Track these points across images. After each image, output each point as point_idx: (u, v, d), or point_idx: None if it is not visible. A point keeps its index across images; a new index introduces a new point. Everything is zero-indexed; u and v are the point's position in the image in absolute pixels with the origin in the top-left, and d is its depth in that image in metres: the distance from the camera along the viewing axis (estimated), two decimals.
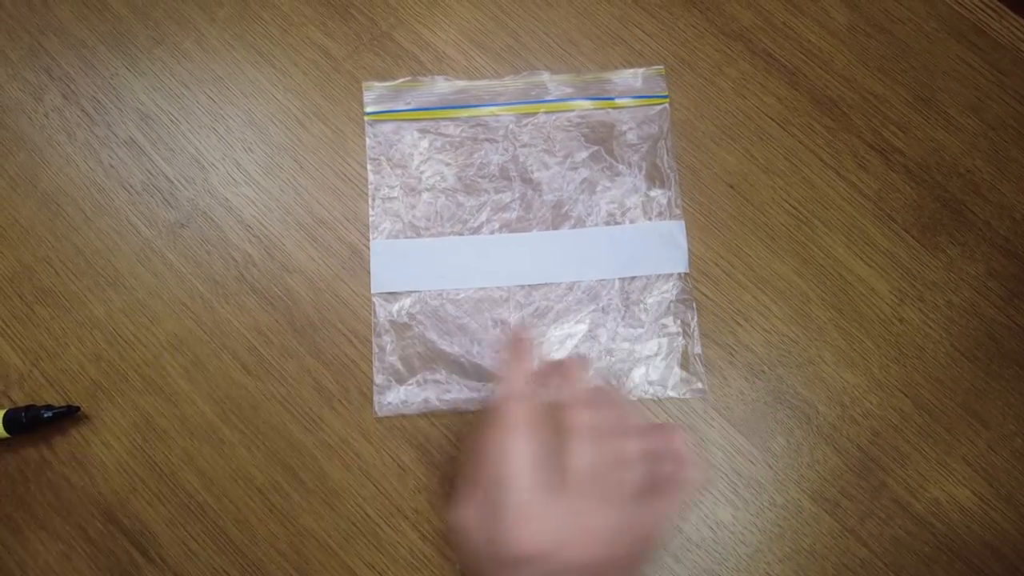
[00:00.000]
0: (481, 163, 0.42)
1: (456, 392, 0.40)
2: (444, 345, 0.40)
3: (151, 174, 0.43)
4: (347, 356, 0.41)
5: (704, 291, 0.41)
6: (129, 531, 0.39)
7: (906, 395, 0.40)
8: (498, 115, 0.43)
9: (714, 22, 0.44)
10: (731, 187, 0.42)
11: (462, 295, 0.41)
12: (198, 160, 0.43)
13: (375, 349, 0.40)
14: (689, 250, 0.41)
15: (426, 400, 0.40)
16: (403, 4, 0.45)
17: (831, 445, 0.39)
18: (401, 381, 0.40)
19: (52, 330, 0.41)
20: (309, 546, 0.38)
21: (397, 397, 0.40)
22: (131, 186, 0.43)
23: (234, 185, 0.43)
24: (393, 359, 0.40)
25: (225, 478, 0.39)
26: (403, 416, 0.40)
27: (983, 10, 0.44)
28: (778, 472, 0.39)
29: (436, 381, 0.40)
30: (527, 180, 0.42)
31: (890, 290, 0.41)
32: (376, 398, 0.40)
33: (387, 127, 0.43)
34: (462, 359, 0.40)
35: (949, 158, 0.43)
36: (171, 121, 0.44)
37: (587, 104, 0.43)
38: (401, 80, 0.43)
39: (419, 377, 0.40)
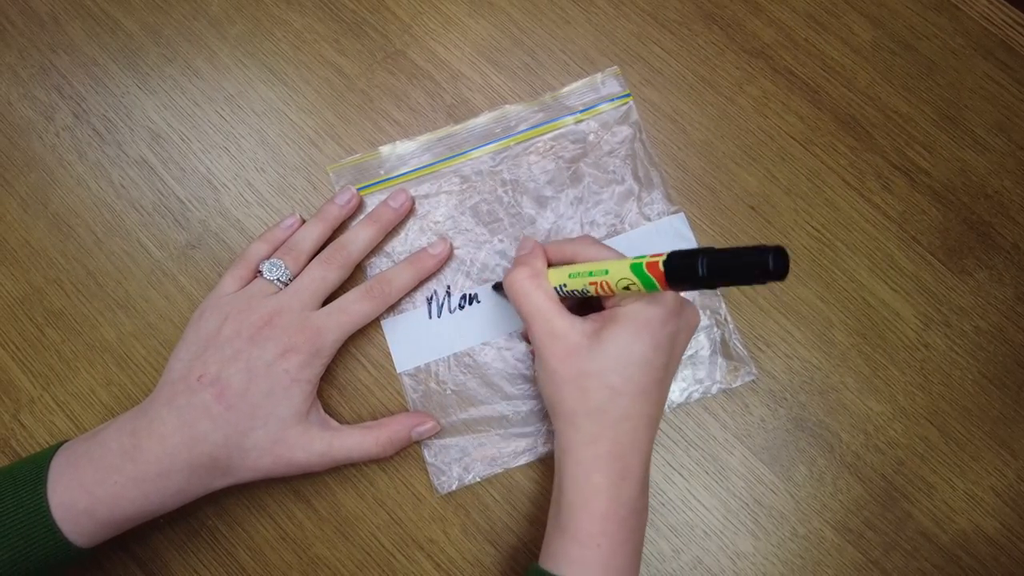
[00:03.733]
0: (472, 211, 0.41)
1: (509, 444, 0.39)
2: (485, 399, 0.39)
3: (162, 194, 0.42)
4: (362, 383, 0.40)
5: (725, 316, 0.40)
6: (140, 558, 0.38)
7: (932, 423, 0.39)
8: (471, 159, 0.42)
9: (734, 39, 0.43)
10: (752, 209, 0.41)
11: (488, 347, 0.40)
12: (209, 180, 0.43)
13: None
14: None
15: (486, 463, 0.39)
16: (418, 21, 0.44)
17: (855, 474, 0.39)
18: (455, 453, 0.39)
19: (63, 353, 0.41)
20: (323, 575, 0.38)
21: (455, 470, 0.39)
22: (142, 207, 0.42)
23: (246, 206, 0.42)
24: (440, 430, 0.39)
25: (237, 505, 0.39)
26: (417, 448, 0.39)
27: (1011, 26, 0.43)
28: (800, 502, 0.38)
29: (488, 441, 0.39)
30: (518, 215, 0.41)
31: (915, 315, 0.40)
32: (435, 479, 0.39)
33: (377, 198, 0.41)
34: (507, 409, 0.39)
35: (976, 179, 0.42)
36: (182, 140, 0.43)
37: (554, 125, 0.42)
38: (360, 154, 0.42)
39: (470, 443, 0.39)
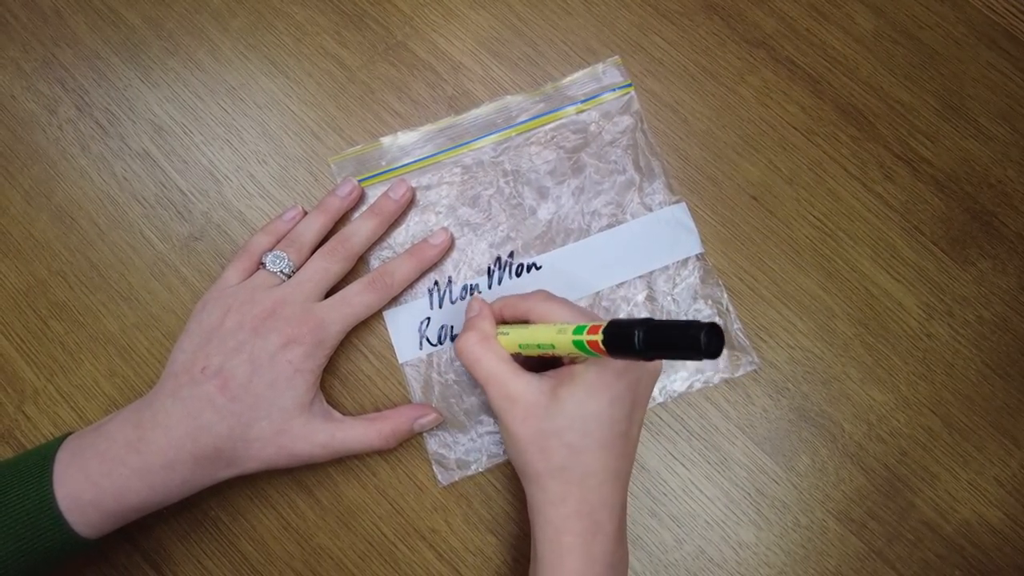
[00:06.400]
0: (473, 202, 0.41)
1: None
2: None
3: (165, 187, 0.43)
4: (364, 373, 0.40)
5: (727, 306, 0.40)
6: (143, 548, 0.38)
7: (935, 413, 0.39)
8: (472, 150, 0.42)
9: (736, 29, 0.43)
10: (754, 199, 0.41)
11: None
12: (212, 172, 0.43)
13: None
14: (713, 265, 0.40)
15: (489, 454, 0.39)
16: (419, 13, 0.44)
17: (857, 464, 0.38)
18: (457, 443, 0.39)
19: (66, 345, 0.41)
20: (325, 565, 0.38)
21: (458, 460, 0.39)
22: (145, 199, 0.42)
23: (248, 198, 0.42)
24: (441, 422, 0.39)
25: (240, 496, 0.39)
26: (420, 438, 0.39)
27: (1015, 15, 0.43)
28: (803, 492, 0.38)
29: (490, 432, 0.39)
30: (518, 206, 0.41)
31: (918, 305, 0.40)
32: (437, 469, 0.39)
33: (379, 189, 0.41)
34: None
35: (979, 168, 0.41)
36: (184, 133, 0.43)
37: (556, 115, 0.42)
38: (361, 145, 0.42)
39: (472, 433, 0.39)
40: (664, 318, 0.26)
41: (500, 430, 0.34)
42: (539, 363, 0.35)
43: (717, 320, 0.40)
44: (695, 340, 0.24)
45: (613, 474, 0.32)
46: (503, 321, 0.36)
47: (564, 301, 0.34)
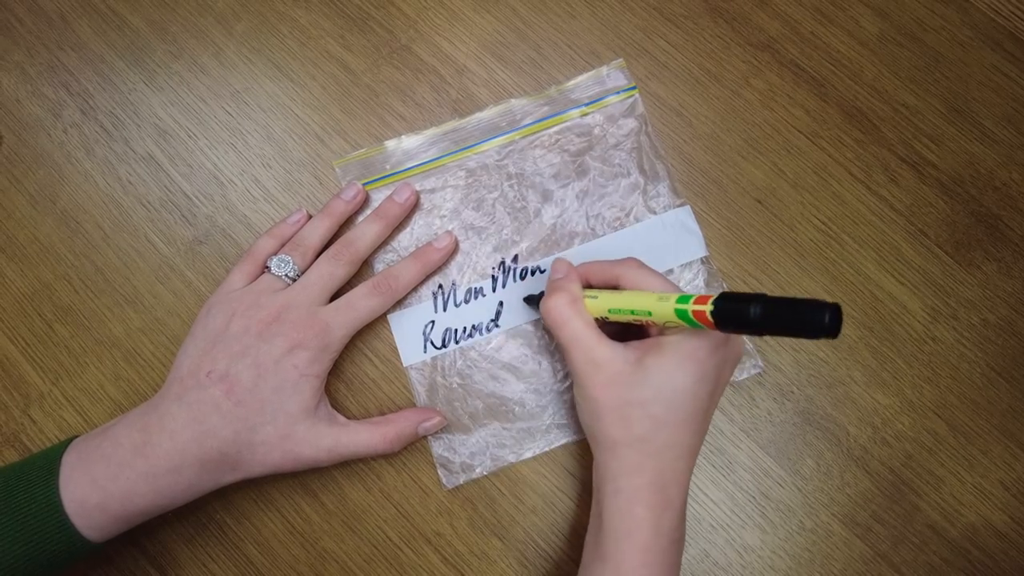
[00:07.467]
0: (478, 205, 0.41)
1: (515, 438, 0.39)
2: (491, 392, 0.39)
3: (169, 191, 0.43)
4: (369, 377, 0.40)
5: None
6: (149, 552, 0.39)
7: (940, 416, 0.39)
8: (477, 154, 0.42)
9: (740, 32, 0.43)
10: (759, 202, 0.41)
11: (493, 341, 0.40)
12: (216, 176, 0.43)
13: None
14: (717, 268, 0.40)
15: (493, 457, 0.39)
16: (423, 16, 0.44)
17: (862, 468, 0.38)
18: (461, 446, 0.39)
19: (71, 348, 0.41)
20: (330, 569, 0.38)
21: (462, 463, 0.39)
22: (149, 203, 0.43)
23: (252, 202, 0.42)
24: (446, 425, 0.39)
25: (245, 499, 0.39)
26: (424, 442, 0.39)
27: (1020, 17, 0.43)
28: (808, 495, 0.38)
29: (494, 435, 0.39)
30: (522, 210, 0.41)
31: (923, 308, 0.40)
32: (442, 473, 0.39)
33: (383, 193, 0.42)
34: (513, 403, 0.39)
35: (984, 171, 0.41)
36: (189, 136, 0.43)
37: (560, 118, 0.42)
38: (365, 149, 0.42)
39: (476, 436, 0.39)
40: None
41: (576, 395, 0.34)
42: (618, 333, 0.34)
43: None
44: (819, 318, 0.24)
45: (688, 450, 0.32)
46: (588, 285, 0.36)
47: (655, 271, 0.34)
